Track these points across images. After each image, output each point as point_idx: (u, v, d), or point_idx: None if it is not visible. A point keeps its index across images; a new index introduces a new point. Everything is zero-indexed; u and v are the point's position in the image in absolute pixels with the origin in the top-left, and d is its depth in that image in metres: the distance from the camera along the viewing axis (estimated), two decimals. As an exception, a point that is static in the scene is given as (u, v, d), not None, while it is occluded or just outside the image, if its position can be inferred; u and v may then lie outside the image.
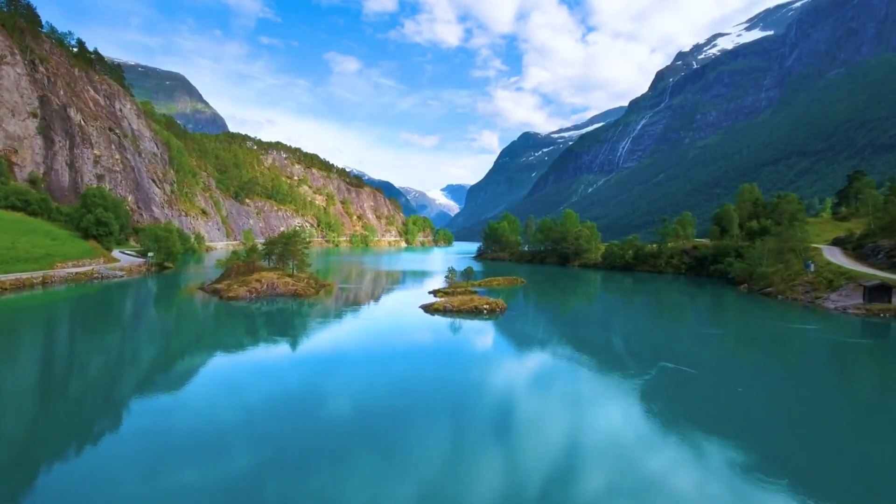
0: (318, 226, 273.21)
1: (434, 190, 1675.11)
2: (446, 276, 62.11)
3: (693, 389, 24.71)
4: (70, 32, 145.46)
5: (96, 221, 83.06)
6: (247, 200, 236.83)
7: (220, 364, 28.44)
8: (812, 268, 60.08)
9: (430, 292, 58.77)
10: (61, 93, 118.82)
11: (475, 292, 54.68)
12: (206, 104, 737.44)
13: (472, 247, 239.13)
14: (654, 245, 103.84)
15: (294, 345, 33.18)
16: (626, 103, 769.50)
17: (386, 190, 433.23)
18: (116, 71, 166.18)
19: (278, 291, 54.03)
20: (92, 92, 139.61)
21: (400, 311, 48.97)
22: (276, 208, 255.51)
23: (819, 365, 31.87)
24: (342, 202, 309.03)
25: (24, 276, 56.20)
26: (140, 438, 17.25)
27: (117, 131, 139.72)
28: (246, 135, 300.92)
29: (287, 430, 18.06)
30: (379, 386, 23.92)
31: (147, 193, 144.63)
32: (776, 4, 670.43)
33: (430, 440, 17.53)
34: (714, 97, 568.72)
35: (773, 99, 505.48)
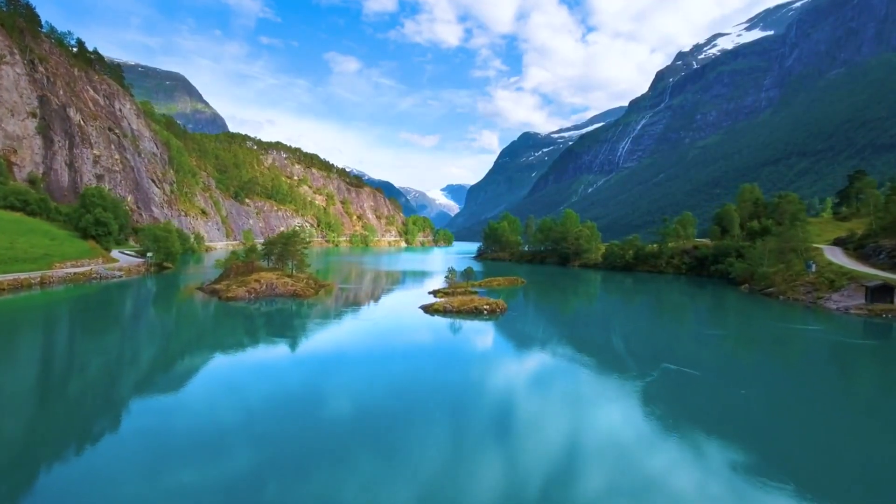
0: (318, 226, 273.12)
1: (434, 190, 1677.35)
2: (446, 277, 61.89)
3: (694, 390, 24.60)
4: (70, 32, 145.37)
5: (95, 221, 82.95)
6: (246, 200, 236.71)
7: (219, 364, 28.31)
8: (813, 268, 59.91)
9: (429, 292, 58.62)
10: (61, 93, 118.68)
11: (475, 293, 54.56)
12: (206, 104, 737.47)
13: (472, 247, 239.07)
14: (655, 245, 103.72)
15: (293, 345, 33.04)
16: (626, 103, 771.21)
17: (386, 190, 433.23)
18: (116, 71, 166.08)
19: (277, 292, 53.86)
20: (91, 92, 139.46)
21: (400, 312, 48.80)
22: (275, 208, 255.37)
23: (821, 366, 31.74)
24: (342, 202, 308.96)
25: (23, 276, 55.98)
26: (140, 438, 17.17)
27: (117, 131, 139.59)
28: (246, 135, 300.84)
29: (287, 431, 17.97)
30: (379, 386, 23.82)
31: (146, 193, 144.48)
32: (776, 4, 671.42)
33: (430, 441, 17.44)
34: (714, 97, 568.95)
35: (773, 99, 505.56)
